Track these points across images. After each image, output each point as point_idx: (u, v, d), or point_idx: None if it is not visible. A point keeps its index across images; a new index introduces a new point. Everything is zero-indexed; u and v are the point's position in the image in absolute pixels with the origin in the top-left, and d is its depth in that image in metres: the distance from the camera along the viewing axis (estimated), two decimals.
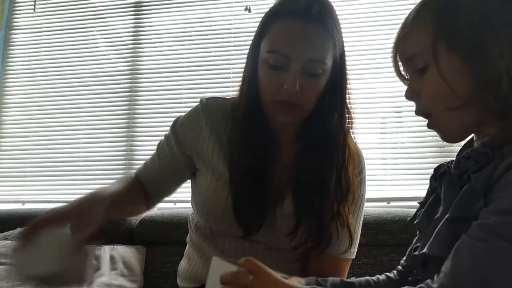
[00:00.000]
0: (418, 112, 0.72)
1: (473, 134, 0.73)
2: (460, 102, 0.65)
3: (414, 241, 0.77)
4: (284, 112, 0.89)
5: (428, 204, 0.75)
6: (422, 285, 0.59)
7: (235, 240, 0.97)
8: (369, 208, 1.62)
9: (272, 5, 0.94)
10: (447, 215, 0.63)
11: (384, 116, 2.00)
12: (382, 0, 2.04)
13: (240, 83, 0.99)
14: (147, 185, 1.07)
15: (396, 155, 1.95)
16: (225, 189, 0.94)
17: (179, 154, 1.02)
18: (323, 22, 0.88)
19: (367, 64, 1.98)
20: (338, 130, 0.95)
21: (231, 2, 2.23)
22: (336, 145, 0.95)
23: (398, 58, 0.73)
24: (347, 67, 0.97)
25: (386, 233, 1.49)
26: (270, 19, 0.91)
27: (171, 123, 1.06)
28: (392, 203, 1.86)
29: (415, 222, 0.77)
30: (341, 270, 1.00)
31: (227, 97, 1.04)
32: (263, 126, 0.95)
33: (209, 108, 1.00)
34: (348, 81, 0.96)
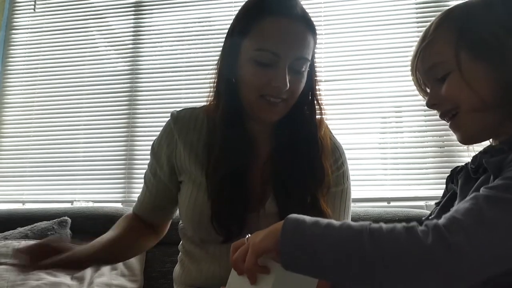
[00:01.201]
0: (442, 115, 0.75)
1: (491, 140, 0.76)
2: (484, 105, 0.68)
3: None
4: (269, 110, 0.90)
5: (444, 202, 0.77)
6: (422, 228, 0.59)
7: (225, 245, 0.96)
8: (369, 208, 1.62)
9: (245, 3, 0.94)
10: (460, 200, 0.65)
11: (384, 116, 2.00)
12: (382, 0, 2.04)
13: (214, 84, 0.98)
14: (147, 218, 1.09)
15: (396, 155, 1.95)
16: (206, 197, 0.95)
17: (163, 176, 1.02)
18: (307, 19, 0.90)
19: (367, 64, 1.97)
20: (308, 123, 0.97)
21: (231, 2, 2.23)
22: (307, 138, 0.96)
23: (417, 69, 0.77)
24: (321, 62, 0.98)
25: None
26: (252, 18, 0.90)
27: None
28: (392, 203, 1.86)
29: (430, 217, 0.79)
30: None
31: (197, 106, 1.04)
32: (242, 129, 0.96)
33: (181, 120, 1.01)
34: (316, 73, 0.97)
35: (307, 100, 0.97)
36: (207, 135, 0.98)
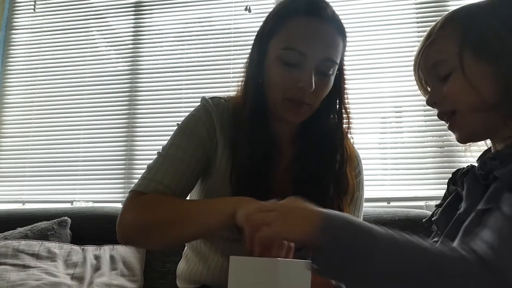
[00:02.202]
0: (441, 114, 0.75)
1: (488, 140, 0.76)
2: (486, 105, 0.68)
3: (431, 237, 0.78)
4: (294, 111, 0.90)
5: (447, 204, 0.77)
6: (456, 247, 0.59)
7: (237, 241, 0.96)
8: (369, 208, 1.62)
9: (277, 5, 0.94)
10: (476, 209, 0.64)
11: (384, 116, 2.00)
12: (382, 0, 2.04)
13: (242, 83, 0.97)
14: (176, 195, 0.91)
15: (396, 155, 1.95)
16: (228, 193, 0.93)
17: (202, 149, 0.94)
18: (337, 21, 0.90)
19: (367, 64, 1.98)
20: (335, 130, 0.96)
21: (231, 2, 2.23)
22: (334, 145, 0.95)
23: (420, 67, 0.77)
24: (345, 67, 0.97)
25: None
26: (282, 18, 0.90)
27: (174, 124, 1.01)
28: (392, 203, 1.86)
29: (433, 218, 0.79)
30: None
31: (225, 98, 1.01)
32: (267, 128, 0.95)
33: (216, 107, 0.97)
34: (345, 82, 0.96)
35: (334, 107, 0.96)
36: (231, 129, 0.95)
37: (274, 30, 0.90)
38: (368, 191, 1.87)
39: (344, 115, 0.97)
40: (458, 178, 0.77)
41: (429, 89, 0.78)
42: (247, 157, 0.92)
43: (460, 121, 0.73)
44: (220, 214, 0.80)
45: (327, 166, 0.94)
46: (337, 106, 0.96)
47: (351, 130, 1.00)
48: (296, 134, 0.98)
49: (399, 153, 1.95)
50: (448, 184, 0.81)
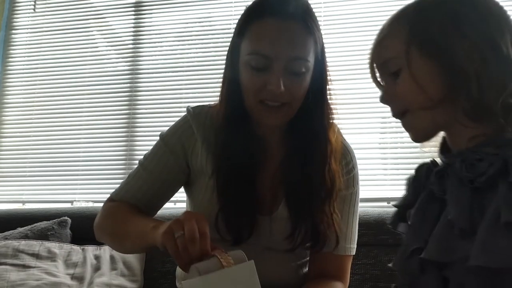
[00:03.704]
0: (394, 114, 0.75)
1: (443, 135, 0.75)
2: (432, 102, 0.67)
3: (407, 243, 0.74)
4: (269, 114, 0.88)
5: (419, 205, 0.74)
6: None
7: (233, 243, 0.96)
8: (369, 208, 1.62)
9: (248, 4, 0.92)
10: (504, 220, 0.59)
11: (384, 116, 1.99)
12: (382, 0, 2.04)
13: (221, 87, 0.97)
14: (140, 205, 0.99)
15: (396, 155, 1.95)
16: (215, 198, 0.93)
17: (174, 161, 0.98)
18: (302, 19, 0.87)
19: (367, 64, 1.97)
20: (318, 126, 0.94)
21: (231, 2, 2.23)
22: (318, 142, 0.93)
23: (374, 64, 0.77)
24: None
25: (386, 233, 1.49)
26: (247, 20, 0.89)
27: (159, 134, 1.03)
28: (392, 203, 1.86)
29: (410, 222, 0.76)
30: (343, 268, 1.00)
31: (211, 104, 1.02)
32: (248, 131, 0.94)
33: (198, 116, 0.98)
34: (328, 77, 0.94)
35: (320, 105, 0.93)
36: (214, 136, 0.96)
37: (241, 33, 0.89)
38: (368, 191, 1.89)
39: (328, 111, 0.95)
40: (428, 176, 0.74)
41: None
42: (226, 162, 0.92)
43: (412, 120, 0.72)
44: (145, 237, 0.84)
45: (311, 164, 0.93)
46: (321, 102, 0.94)
47: (352, 130, 0.99)
48: (284, 137, 0.97)
49: (399, 153, 1.95)
50: (413, 182, 0.78)
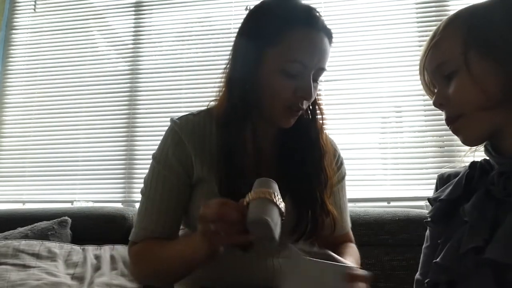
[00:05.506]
0: (448, 118, 0.75)
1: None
2: (491, 103, 0.69)
3: (466, 239, 0.71)
4: (291, 118, 0.93)
5: (478, 202, 0.73)
6: None
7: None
8: (369, 208, 1.62)
9: (272, 11, 0.92)
10: None
11: (384, 116, 2.00)
12: (382, 0, 2.05)
13: (222, 88, 0.97)
14: (162, 236, 0.97)
15: (396, 155, 1.95)
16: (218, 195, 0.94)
17: (177, 180, 0.97)
18: (328, 30, 0.93)
19: (367, 64, 1.97)
20: (311, 127, 0.99)
21: (231, 2, 2.23)
22: (311, 143, 0.99)
23: (425, 68, 0.78)
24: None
25: (386, 233, 1.49)
26: (281, 28, 0.89)
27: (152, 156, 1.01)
28: (392, 203, 1.86)
29: (466, 219, 0.73)
30: (350, 238, 1.11)
31: (193, 112, 1.02)
32: (250, 130, 0.95)
33: (185, 126, 0.98)
34: (318, 81, 0.99)
35: (312, 106, 1.00)
36: (208, 143, 0.96)
37: (272, 40, 0.89)
38: (368, 191, 1.89)
39: (319, 113, 1.01)
40: (481, 175, 0.75)
41: (435, 90, 0.78)
42: (231, 162, 0.92)
43: (467, 123, 0.72)
44: (187, 250, 0.85)
45: (308, 162, 0.97)
46: (313, 105, 1.00)
47: (328, 120, 1.03)
48: (276, 137, 1.00)
49: (399, 153, 1.95)
50: (460, 179, 0.78)
